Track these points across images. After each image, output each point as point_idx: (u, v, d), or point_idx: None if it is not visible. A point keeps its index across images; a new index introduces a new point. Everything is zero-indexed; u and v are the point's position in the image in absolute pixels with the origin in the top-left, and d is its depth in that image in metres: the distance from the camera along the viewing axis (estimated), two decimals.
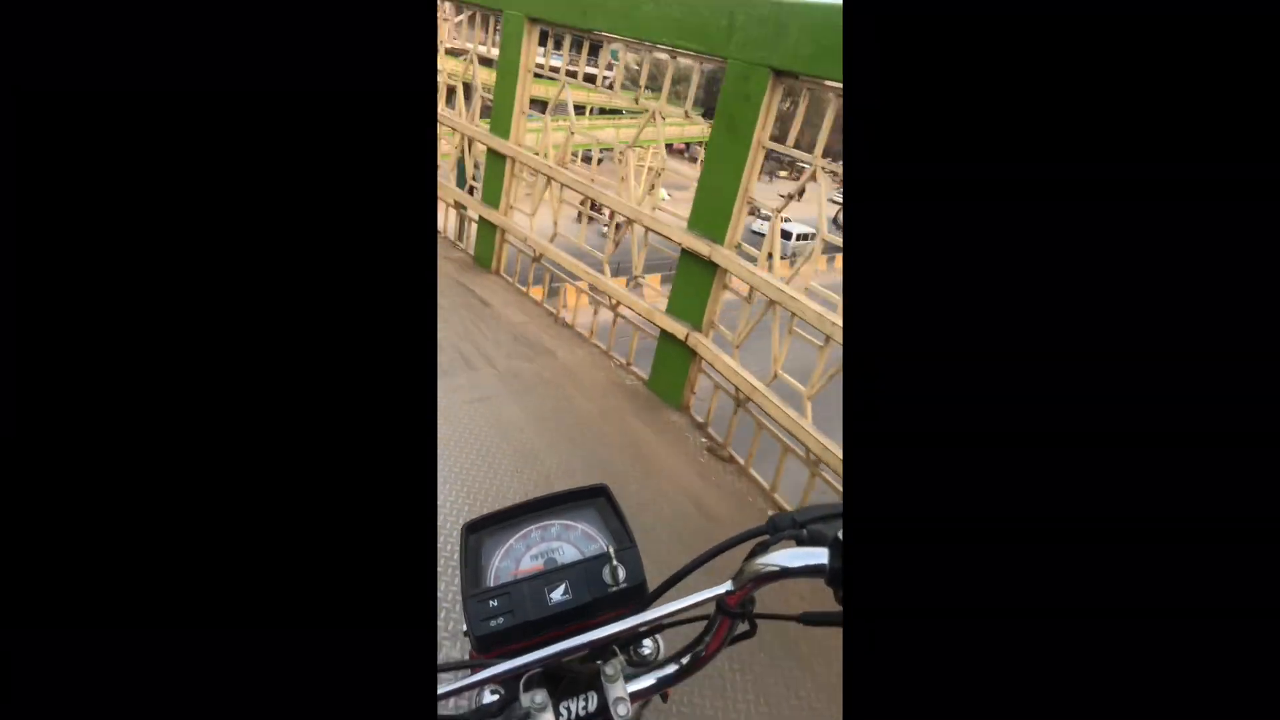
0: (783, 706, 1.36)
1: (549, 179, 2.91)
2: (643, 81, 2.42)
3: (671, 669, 0.53)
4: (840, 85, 1.77)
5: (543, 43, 3.01)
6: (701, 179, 2.22)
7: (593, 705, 0.51)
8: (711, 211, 2.18)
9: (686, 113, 2.40)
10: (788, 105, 2.12)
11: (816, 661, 1.46)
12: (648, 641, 0.55)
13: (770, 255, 2.08)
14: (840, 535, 0.41)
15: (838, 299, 1.85)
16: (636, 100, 2.53)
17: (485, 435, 2.04)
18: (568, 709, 0.50)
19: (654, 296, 2.60)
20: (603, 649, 0.50)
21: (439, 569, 1.48)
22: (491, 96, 3.10)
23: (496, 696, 0.51)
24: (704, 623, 0.52)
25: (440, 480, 1.80)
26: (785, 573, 0.45)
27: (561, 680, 0.51)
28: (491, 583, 0.54)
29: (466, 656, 0.51)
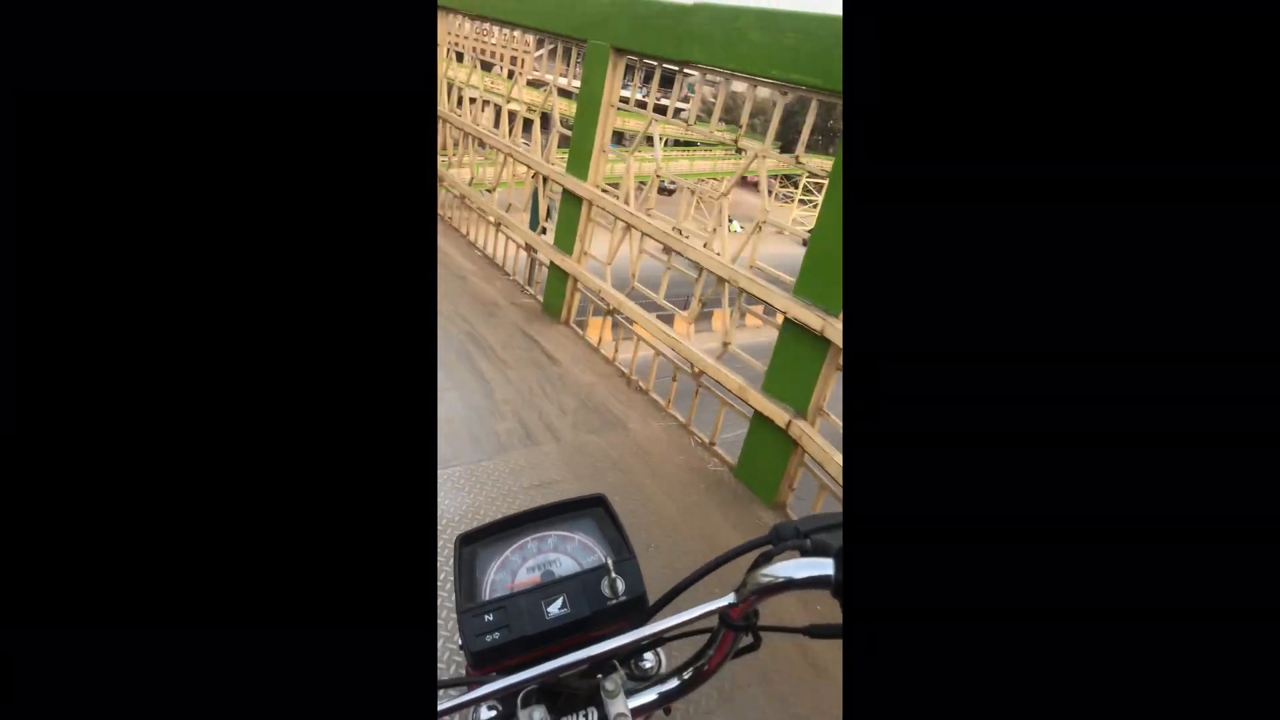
0: None
1: (628, 226, 2.60)
2: (716, 114, 2.25)
3: (674, 683, 0.51)
4: None
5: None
6: (813, 239, 1.85)
7: None
8: (826, 278, 1.81)
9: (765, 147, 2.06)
10: None
11: None
12: (649, 655, 0.53)
13: None
14: None
15: None
16: (736, 141, 2.21)
17: None
18: None
19: (754, 327, 2.25)
20: (602, 663, 0.48)
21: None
22: (569, 130, 2.84)
23: (494, 713, 0.49)
24: (706, 635, 0.50)
25: None
26: (790, 584, 0.42)
27: (560, 696, 0.49)
28: (487, 596, 0.52)
29: (462, 670, 0.50)
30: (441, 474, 1.90)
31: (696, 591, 0.47)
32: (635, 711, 0.49)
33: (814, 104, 1.85)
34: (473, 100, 3.78)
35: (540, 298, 3.19)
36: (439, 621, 1.35)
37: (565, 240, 2.93)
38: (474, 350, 2.61)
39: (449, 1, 3.69)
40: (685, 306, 2.51)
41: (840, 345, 1.77)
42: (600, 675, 0.49)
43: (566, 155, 2.88)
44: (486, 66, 3.80)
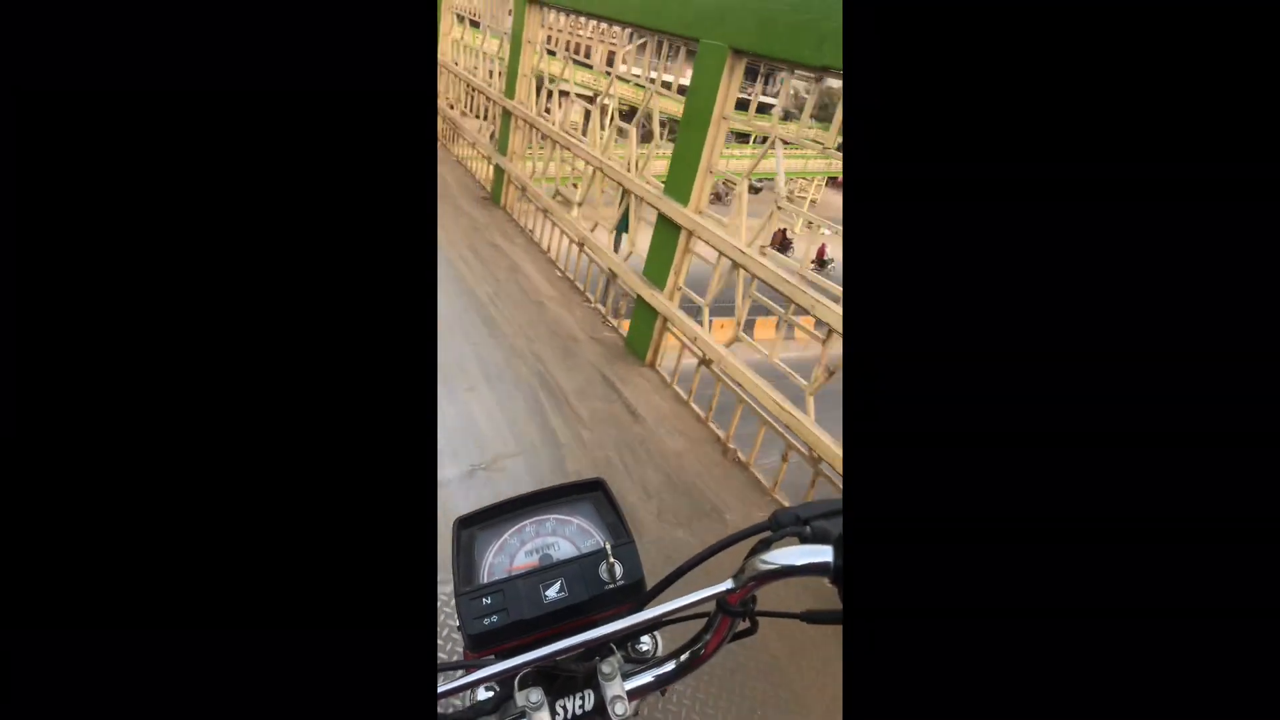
0: None
1: (740, 269, 2.16)
2: (808, 111, 2.00)
3: (670, 666, 0.51)
4: None
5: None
6: None
7: (589, 703, 0.49)
8: None
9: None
10: None
11: None
12: (646, 638, 0.53)
13: None
14: None
15: None
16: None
17: None
18: (564, 707, 0.48)
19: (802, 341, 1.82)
20: (600, 646, 0.48)
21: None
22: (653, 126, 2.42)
23: (491, 694, 0.50)
24: (703, 619, 0.50)
25: None
26: (788, 571, 0.42)
27: (557, 678, 0.49)
28: (485, 579, 0.51)
29: (460, 653, 0.53)
30: None
31: (694, 576, 0.46)
32: (632, 694, 0.49)
33: None
34: (564, 94, 3.43)
35: (623, 333, 2.81)
36: (439, 601, 1.25)
37: (656, 272, 2.52)
38: (546, 400, 2.25)
39: None
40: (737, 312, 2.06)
41: None
42: (597, 658, 0.49)
43: (640, 154, 2.46)
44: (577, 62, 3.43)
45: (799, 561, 0.42)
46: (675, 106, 2.61)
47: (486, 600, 0.47)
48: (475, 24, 4.60)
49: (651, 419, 2.29)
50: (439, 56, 5.01)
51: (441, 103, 5.13)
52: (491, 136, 4.24)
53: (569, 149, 3.21)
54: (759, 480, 2.10)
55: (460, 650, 0.51)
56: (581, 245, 3.13)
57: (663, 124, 2.96)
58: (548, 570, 0.49)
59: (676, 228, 2.38)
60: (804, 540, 0.43)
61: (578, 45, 3.59)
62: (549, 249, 3.53)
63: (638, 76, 2.83)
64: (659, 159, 2.77)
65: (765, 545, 0.45)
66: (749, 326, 2.32)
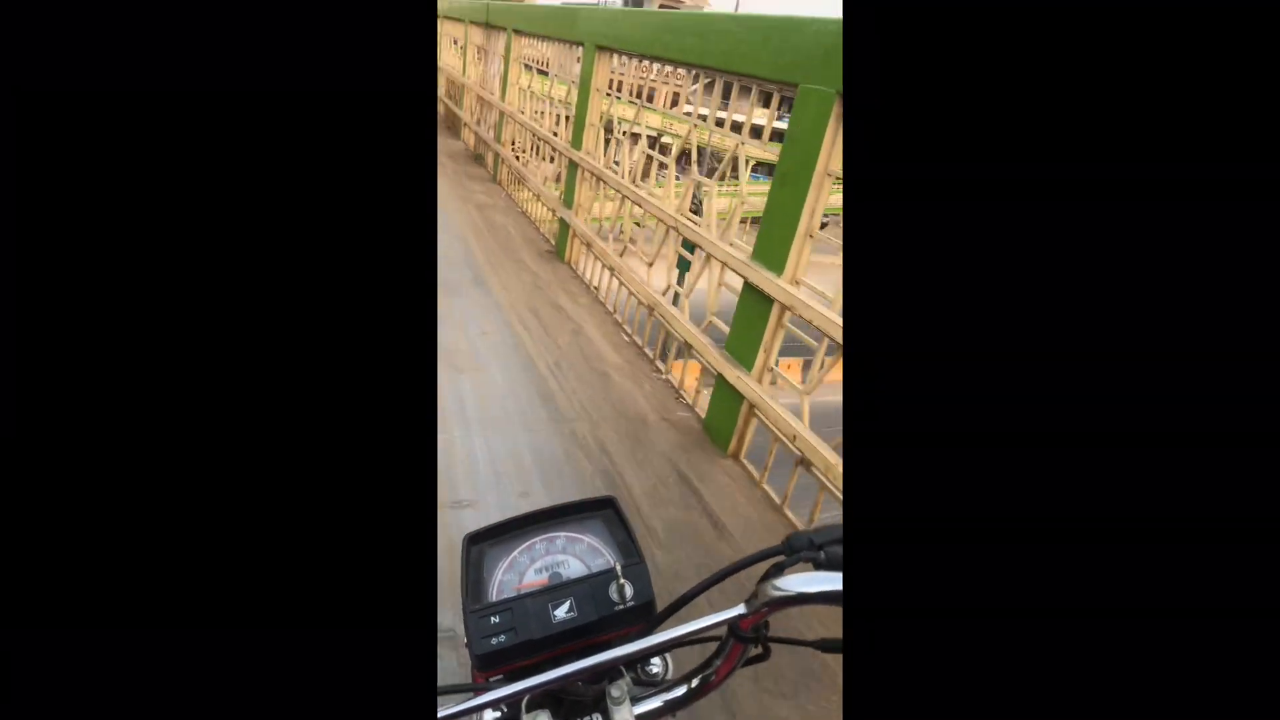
0: None
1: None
2: None
3: (680, 691, 0.50)
4: None
5: (765, 103, 2.00)
6: None
7: None
8: None
9: None
10: None
11: None
12: (656, 660, 0.52)
13: None
14: None
15: None
16: None
17: None
18: None
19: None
20: (609, 669, 0.46)
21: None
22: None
23: (498, 715, 0.49)
24: (714, 641, 0.48)
25: None
26: (802, 599, 0.41)
27: (565, 700, 0.48)
28: (494, 597, 0.50)
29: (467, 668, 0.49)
30: None
31: (706, 599, 0.45)
32: (640, 718, 0.48)
33: None
34: (634, 138, 3.17)
35: (699, 411, 2.45)
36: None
37: (742, 348, 2.16)
38: None
39: (608, 42, 3.11)
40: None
41: None
42: (606, 680, 0.48)
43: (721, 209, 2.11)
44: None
45: (813, 589, 0.41)
46: (757, 151, 2.33)
47: (494, 619, 0.46)
48: (544, 73, 4.46)
49: (739, 531, 1.90)
50: (506, 104, 4.90)
51: (506, 150, 5.01)
52: (558, 179, 4.04)
53: (640, 204, 2.92)
54: None
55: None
56: (651, 310, 2.81)
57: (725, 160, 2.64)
58: (557, 589, 0.48)
59: (768, 300, 2.02)
60: (818, 566, 0.42)
61: (638, 89, 3.36)
62: (615, 308, 3.24)
63: (702, 118, 2.53)
64: (720, 196, 2.50)
65: (778, 570, 0.43)
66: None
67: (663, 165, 2.88)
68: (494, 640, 0.45)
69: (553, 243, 4.04)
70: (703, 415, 2.42)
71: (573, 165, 3.64)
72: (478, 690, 0.43)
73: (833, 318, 1.78)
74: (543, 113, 4.40)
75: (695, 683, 0.49)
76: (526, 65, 4.75)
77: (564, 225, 3.78)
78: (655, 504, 1.95)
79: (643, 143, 3.07)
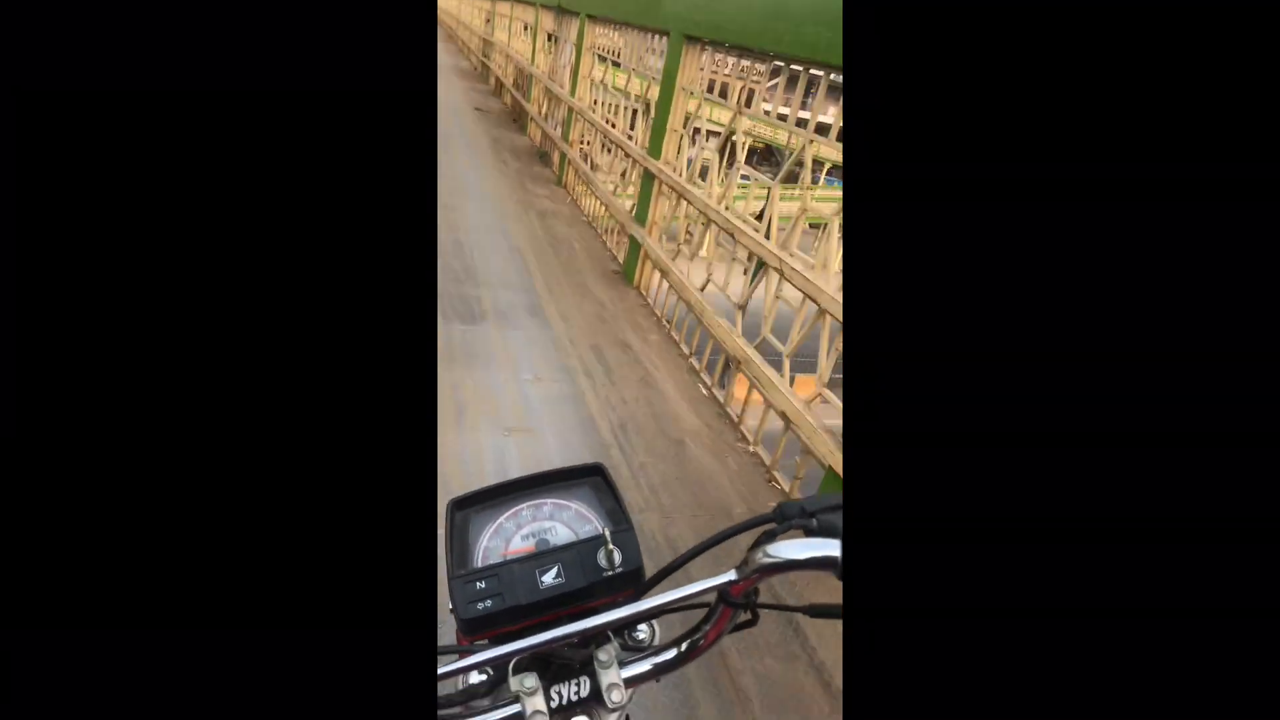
0: None
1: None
2: None
3: (668, 655, 0.49)
4: None
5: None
6: None
7: (585, 690, 0.48)
8: None
9: None
10: None
11: None
12: (643, 625, 0.52)
13: None
14: None
15: None
16: None
17: None
18: (559, 693, 0.47)
19: None
20: (596, 634, 0.47)
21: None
22: None
23: (485, 677, 0.49)
24: (702, 608, 0.48)
25: None
26: (793, 565, 0.41)
27: (552, 664, 0.48)
28: (479, 563, 0.49)
29: (453, 637, 0.48)
30: None
31: (694, 565, 0.45)
32: (628, 682, 0.47)
33: None
34: (727, 150, 2.68)
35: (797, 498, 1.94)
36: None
37: None
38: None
39: (700, 31, 2.60)
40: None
41: None
42: (594, 644, 0.48)
43: None
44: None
45: (805, 555, 0.41)
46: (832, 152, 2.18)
47: (481, 585, 0.46)
48: (619, 64, 3.98)
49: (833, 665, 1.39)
50: (575, 99, 4.46)
51: (573, 150, 4.57)
52: (622, 175, 3.58)
53: (733, 234, 2.41)
54: None
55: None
56: (739, 364, 2.31)
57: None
58: (544, 555, 0.48)
59: None
60: (809, 533, 0.42)
61: (710, 84, 2.88)
62: (692, 348, 2.75)
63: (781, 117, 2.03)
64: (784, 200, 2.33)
65: (770, 537, 0.43)
66: None
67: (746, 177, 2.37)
68: (480, 605, 0.45)
69: (621, 261, 3.58)
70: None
71: (648, 176, 3.16)
72: (463, 652, 0.43)
73: None
74: (616, 108, 3.93)
75: (684, 647, 0.48)
76: (601, 56, 4.28)
77: (634, 243, 3.31)
78: (747, 650, 1.47)
79: (740, 155, 2.56)
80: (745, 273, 2.51)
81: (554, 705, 0.46)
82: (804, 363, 2.13)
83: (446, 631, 0.46)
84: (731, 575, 0.44)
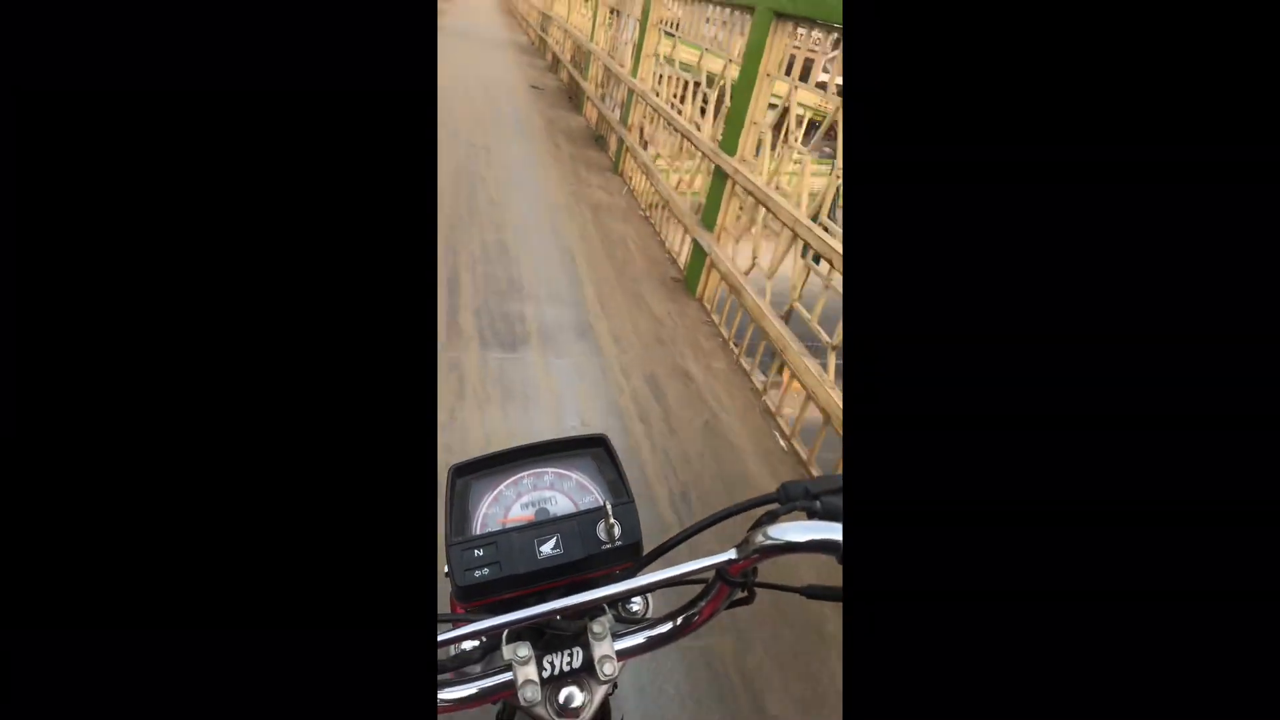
0: None
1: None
2: None
3: (663, 629, 0.49)
4: None
5: None
6: None
7: (578, 661, 0.47)
8: None
9: None
10: None
11: None
12: (637, 598, 0.52)
13: None
14: None
15: None
16: None
17: None
18: (551, 663, 0.47)
19: None
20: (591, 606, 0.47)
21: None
22: None
23: (477, 643, 0.49)
24: (697, 584, 0.48)
25: None
26: (794, 547, 0.41)
27: (545, 633, 0.48)
28: (478, 530, 0.50)
29: (447, 602, 0.48)
30: None
31: (691, 542, 0.46)
32: (621, 654, 0.47)
33: None
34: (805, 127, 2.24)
35: None
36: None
37: None
38: None
39: (794, 7, 2.13)
40: None
41: None
42: (588, 616, 0.48)
43: None
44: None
45: (806, 538, 0.41)
46: None
47: (478, 552, 0.46)
48: (674, 37, 3.52)
49: None
50: (637, 80, 4.02)
51: (632, 136, 4.15)
52: (679, 148, 3.14)
53: (830, 261, 1.97)
54: None
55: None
56: (827, 419, 1.88)
57: None
58: (544, 525, 0.48)
59: None
60: (812, 516, 0.42)
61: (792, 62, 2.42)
62: (765, 386, 2.34)
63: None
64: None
65: (771, 518, 0.43)
66: None
67: None
68: (477, 573, 0.45)
69: (682, 267, 3.17)
70: None
71: (719, 174, 2.72)
72: (457, 621, 0.43)
73: None
74: (681, 95, 3.49)
75: (679, 621, 0.48)
76: (668, 32, 3.82)
77: (698, 250, 2.89)
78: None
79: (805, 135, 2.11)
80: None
81: (545, 675, 0.46)
82: None
83: (441, 596, 0.42)
84: (731, 554, 0.44)
